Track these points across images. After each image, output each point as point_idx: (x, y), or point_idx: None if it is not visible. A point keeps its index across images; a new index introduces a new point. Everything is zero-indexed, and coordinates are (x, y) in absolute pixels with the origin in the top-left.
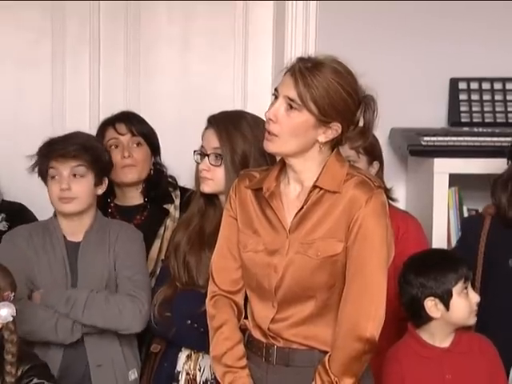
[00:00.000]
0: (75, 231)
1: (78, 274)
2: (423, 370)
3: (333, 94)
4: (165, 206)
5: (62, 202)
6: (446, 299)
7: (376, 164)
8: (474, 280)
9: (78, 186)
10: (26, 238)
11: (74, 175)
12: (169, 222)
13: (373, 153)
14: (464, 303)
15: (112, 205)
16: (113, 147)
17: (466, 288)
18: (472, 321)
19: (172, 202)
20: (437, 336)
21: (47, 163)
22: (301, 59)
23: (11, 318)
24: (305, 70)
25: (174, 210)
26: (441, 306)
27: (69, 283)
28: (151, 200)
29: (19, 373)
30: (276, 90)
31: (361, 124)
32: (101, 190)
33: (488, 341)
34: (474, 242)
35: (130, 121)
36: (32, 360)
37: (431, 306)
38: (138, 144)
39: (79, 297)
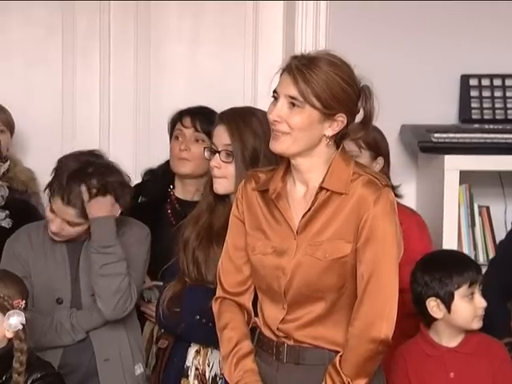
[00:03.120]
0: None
1: (79, 273)
2: (427, 368)
3: (333, 86)
4: None
5: (51, 232)
6: (447, 301)
7: (380, 160)
8: None
9: (69, 228)
10: (24, 242)
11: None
12: None
13: (376, 148)
14: (467, 307)
15: (172, 193)
16: (175, 138)
17: (472, 292)
18: (475, 325)
19: None
20: (443, 336)
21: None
22: (295, 57)
23: (21, 326)
24: (301, 66)
25: None
26: (442, 307)
27: (68, 283)
28: None
29: (29, 382)
30: (275, 91)
31: (360, 115)
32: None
33: (500, 345)
34: None
35: (197, 116)
36: (44, 369)
37: (433, 306)
38: (200, 140)
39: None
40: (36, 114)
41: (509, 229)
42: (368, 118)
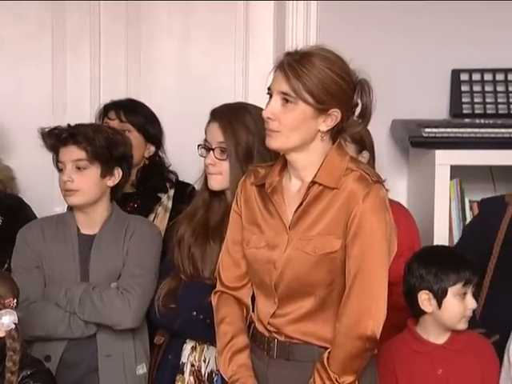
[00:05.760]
0: (90, 224)
1: (90, 266)
2: (415, 364)
3: (325, 80)
4: (158, 194)
5: (65, 194)
6: (439, 296)
7: (365, 154)
8: (486, 268)
9: (80, 178)
10: (37, 233)
11: (78, 168)
12: (160, 210)
13: (362, 142)
14: (457, 306)
15: None
16: None
17: (464, 292)
18: (461, 326)
19: (166, 191)
20: (430, 332)
21: (56, 157)
22: (288, 53)
23: (13, 326)
24: (293, 62)
25: (166, 199)
26: (434, 302)
27: (78, 276)
28: (144, 190)
29: (19, 379)
30: (269, 88)
31: (358, 109)
32: (112, 182)
33: (486, 341)
34: (494, 227)
35: (121, 108)
36: (34, 366)
37: (424, 299)
38: (127, 130)
39: (75, 292)
40: (26, 111)
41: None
42: (366, 112)
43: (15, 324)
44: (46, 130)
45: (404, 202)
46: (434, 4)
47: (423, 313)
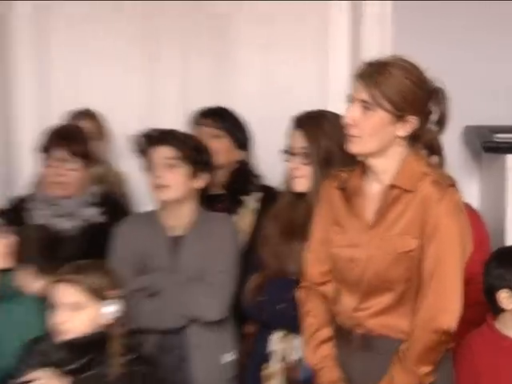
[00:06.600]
0: (176, 224)
1: (177, 266)
2: (498, 360)
3: (402, 88)
4: (242, 197)
5: (155, 190)
6: None
7: (435, 158)
8: None
9: (170, 175)
10: (131, 229)
11: (169, 165)
12: (246, 212)
13: (431, 147)
14: None
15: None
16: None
17: None
18: None
19: (251, 194)
20: (510, 327)
21: (146, 158)
22: (367, 63)
23: (117, 315)
24: (372, 71)
25: (252, 201)
26: None
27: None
28: (232, 192)
29: (125, 362)
30: (349, 96)
31: (435, 116)
32: (198, 185)
33: None
34: None
35: (212, 115)
36: (137, 351)
37: (504, 297)
38: (218, 136)
39: (166, 285)
40: (124, 119)
41: None
42: (442, 119)
43: (118, 313)
44: (138, 133)
45: (477, 206)
46: (508, 11)
47: (502, 310)
